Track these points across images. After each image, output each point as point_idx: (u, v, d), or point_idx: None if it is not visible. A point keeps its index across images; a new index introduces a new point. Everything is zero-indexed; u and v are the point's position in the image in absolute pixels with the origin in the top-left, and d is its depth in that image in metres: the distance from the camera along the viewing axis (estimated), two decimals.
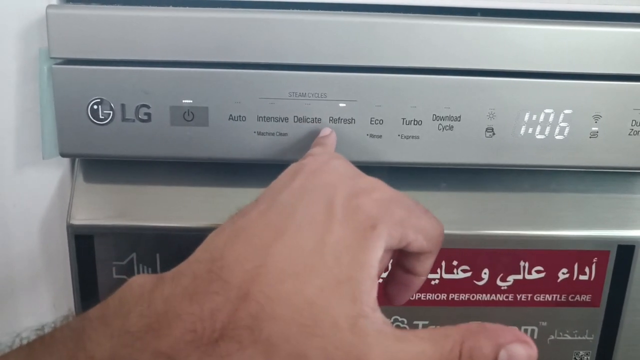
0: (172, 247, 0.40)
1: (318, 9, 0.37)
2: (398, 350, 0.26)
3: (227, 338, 0.26)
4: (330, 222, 0.28)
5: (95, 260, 0.40)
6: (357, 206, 0.29)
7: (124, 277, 0.40)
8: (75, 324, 0.28)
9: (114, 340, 0.27)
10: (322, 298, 0.27)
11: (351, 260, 0.28)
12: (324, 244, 0.28)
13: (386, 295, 0.35)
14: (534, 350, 0.27)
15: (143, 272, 0.40)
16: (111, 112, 0.37)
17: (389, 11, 0.37)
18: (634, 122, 0.39)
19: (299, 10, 0.37)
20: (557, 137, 0.39)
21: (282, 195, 0.30)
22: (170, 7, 0.37)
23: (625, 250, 0.42)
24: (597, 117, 0.39)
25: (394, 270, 0.34)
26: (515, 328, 0.28)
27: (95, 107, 0.37)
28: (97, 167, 0.41)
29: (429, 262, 0.33)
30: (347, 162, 0.33)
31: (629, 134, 0.39)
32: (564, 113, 0.38)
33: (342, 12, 0.37)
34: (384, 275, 0.34)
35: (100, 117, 0.38)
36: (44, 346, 0.28)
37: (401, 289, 0.34)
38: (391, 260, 0.33)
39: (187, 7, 0.37)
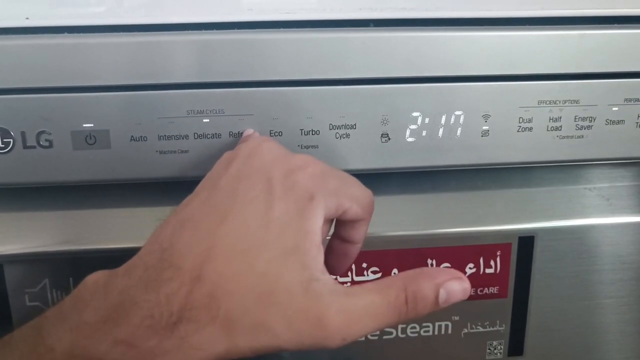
0: (85, 270, 0.40)
1: (208, 29, 0.38)
2: (351, 305, 0.29)
3: (185, 320, 0.28)
4: (271, 199, 0.30)
5: (7, 289, 0.40)
6: (294, 181, 0.31)
7: (38, 304, 0.40)
8: (33, 323, 0.30)
9: (73, 333, 0.28)
10: (273, 269, 0.29)
11: (295, 231, 0.30)
12: (267, 219, 0.30)
13: (327, 267, 0.37)
14: (467, 284, 0.31)
15: (57, 298, 0.41)
16: (11, 140, 0.38)
17: (279, 27, 0.38)
18: (521, 119, 0.41)
19: (190, 31, 0.37)
20: (451, 138, 0.41)
21: (221, 181, 0.32)
22: (65, 34, 0.37)
23: (525, 241, 0.44)
24: (486, 117, 0.41)
25: (332, 242, 0.37)
26: (451, 269, 0.31)
27: None
28: (3, 195, 0.41)
29: (363, 229, 0.35)
30: (277, 143, 0.35)
31: (518, 131, 0.41)
32: (454, 115, 0.40)
33: (233, 30, 0.38)
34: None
35: (1, 145, 0.38)
36: (3, 345, 0.29)
37: (340, 259, 0.37)
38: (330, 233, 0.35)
39: (81, 34, 0.37)
